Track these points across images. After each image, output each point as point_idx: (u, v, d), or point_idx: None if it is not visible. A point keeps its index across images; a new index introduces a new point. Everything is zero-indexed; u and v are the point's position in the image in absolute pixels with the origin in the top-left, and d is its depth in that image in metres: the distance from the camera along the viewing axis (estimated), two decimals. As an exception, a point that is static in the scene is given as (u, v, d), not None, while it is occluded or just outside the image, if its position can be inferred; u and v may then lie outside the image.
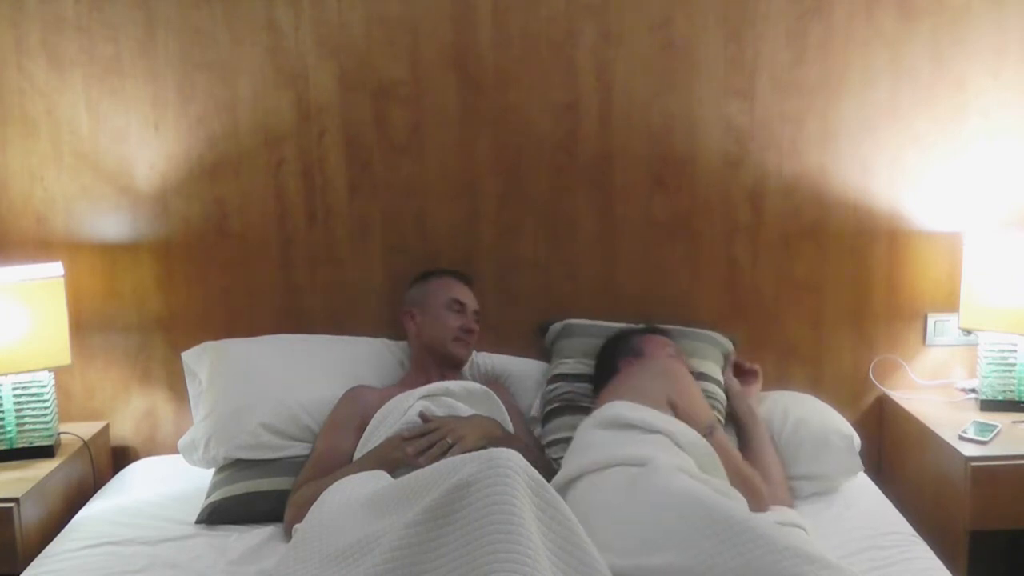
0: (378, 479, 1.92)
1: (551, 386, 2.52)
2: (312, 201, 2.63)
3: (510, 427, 2.32)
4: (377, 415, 2.24)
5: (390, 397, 2.28)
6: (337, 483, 1.91)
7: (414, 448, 2.04)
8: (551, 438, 2.39)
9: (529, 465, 1.56)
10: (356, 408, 2.31)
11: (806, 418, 2.41)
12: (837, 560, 1.65)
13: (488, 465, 1.51)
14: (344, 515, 1.72)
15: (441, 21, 2.56)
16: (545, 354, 2.65)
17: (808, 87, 2.62)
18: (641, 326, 2.55)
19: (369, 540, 1.56)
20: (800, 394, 2.59)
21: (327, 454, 2.22)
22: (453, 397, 2.27)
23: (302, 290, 2.66)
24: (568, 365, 2.53)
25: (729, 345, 2.62)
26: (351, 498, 1.79)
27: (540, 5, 2.56)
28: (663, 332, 2.49)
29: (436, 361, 2.44)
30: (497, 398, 2.35)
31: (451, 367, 2.45)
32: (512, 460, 1.52)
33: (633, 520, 1.74)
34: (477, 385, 2.36)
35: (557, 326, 2.64)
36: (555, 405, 2.46)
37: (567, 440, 2.21)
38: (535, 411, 2.53)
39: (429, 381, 2.35)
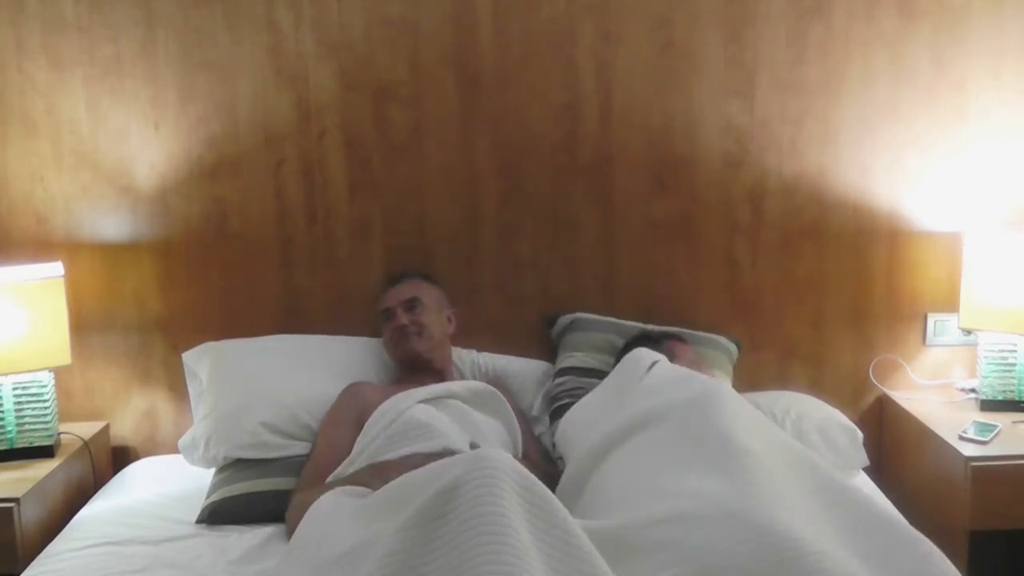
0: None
1: (559, 380, 2.50)
2: (312, 201, 2.63)
3: (516, 429, 2.30)
4: (375, 413, 2.21)
5: (389, 395, 2.26)
6: (330, 492, 1.90)
7: None
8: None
9: (518, 464, 1.55)
10: (355, 404, 2.30)
11: (808, 412, 2.42)
12: None
13: (475, 466, 1.51)
14: (336, 522, 1.72)
15: (441, 21, 2.56)
16: (546, 351, 2.65)
17: (808, 87, 2.62)
18: (661, 329, 2.53)
19: (364, 546, 1.56)
20: (799, 394, 2.59)
21: (326, 451, 2.22)
22: (458, 399, 2.25)
23: (302, 290, 2.66)
24: (577, 359, 2.52)
25: (734, 349, 2.62)
26: (343, 504, 1.80)
27: (540, 5, 2.56)
28: (682, 339, 2.48)
29: (414, 370, 2.42)
30: (503, 398, 2.31)
31: (429, 367, 2.41)
32: (499, 460, 1.52)
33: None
34: (482, 385, 2.33)
35: (566, 319, 2.62)
36: (564, 401, 2.42)
37: None
38: (536, 410, 2.52)
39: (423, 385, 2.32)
